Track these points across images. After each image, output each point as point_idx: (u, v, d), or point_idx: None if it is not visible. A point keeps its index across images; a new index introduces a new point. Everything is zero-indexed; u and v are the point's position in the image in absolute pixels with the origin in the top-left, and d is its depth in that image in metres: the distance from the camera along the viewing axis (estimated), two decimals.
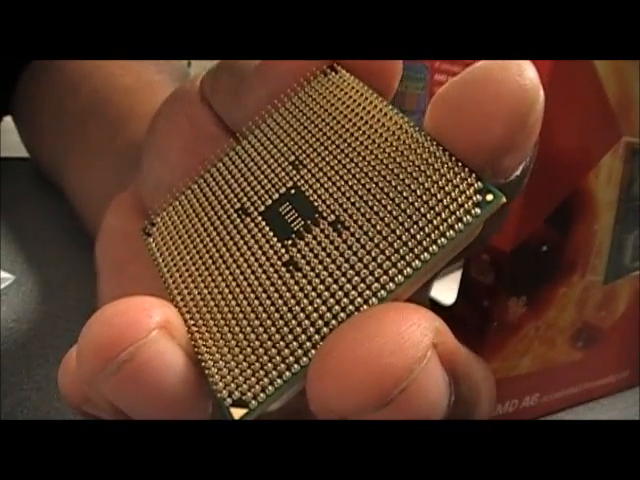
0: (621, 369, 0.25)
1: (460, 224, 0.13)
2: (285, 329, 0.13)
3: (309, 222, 0.14)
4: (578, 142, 0.21)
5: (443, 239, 0.13)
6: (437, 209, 0.13)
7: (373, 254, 0.13)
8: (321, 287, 0.13)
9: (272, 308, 0.13)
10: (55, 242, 0.33)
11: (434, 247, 0.12)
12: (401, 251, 0.13)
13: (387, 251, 0.13)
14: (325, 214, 0.14)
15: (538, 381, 0.23)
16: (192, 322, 0.14)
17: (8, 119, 0.43)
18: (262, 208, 0.15)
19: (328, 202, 0.14)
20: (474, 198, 0.13)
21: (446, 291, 0.23)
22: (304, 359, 0.12)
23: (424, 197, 0.13)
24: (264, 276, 0.14)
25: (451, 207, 0.13)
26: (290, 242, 0.14)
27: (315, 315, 0.13)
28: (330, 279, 0.13)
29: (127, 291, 0.14)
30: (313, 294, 0.13)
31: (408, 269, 0.13)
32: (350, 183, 0.14)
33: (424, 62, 0.22)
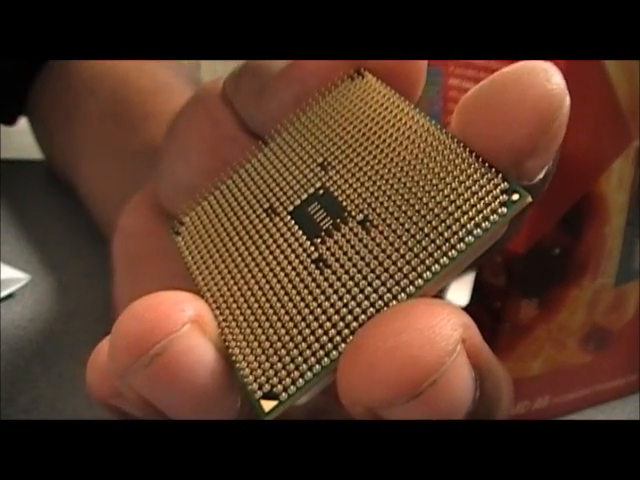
0: (631, 372, 0.26)
1: (487, 222, 0.13)
2: (315, 324, 0.13)
3: (338, 221, 0.14)
4: (590, 146, 0.21)
5: (470, 237, 0.13)
6: (464, 208, 0.13)
7: (402, 251, 0.13)
8: (350, 283, 0.13)
9: (302, 303, 0.13)
10: (69, 242, 0.33)
11: (461, 245, 0.13)
12: (429, 249, 0.13)
13: (415, 248, 0.13)
14: (354, 213, 0.14)
15: (549, 383, 0.23)
16: (222, 317, 0.14)
17: (22, 121, 0.43)
18: (291, 208, 0.15)
19: (356, 202, 0.14)
20: (501, 198, 0.13)
21: (459, 293, 0.23)
22: (334, 353, 0.13)
23: (451, 196, 0.13)
24: (293, 273, 0.14)
25: (478, 206, 0.13)
26: (319, 240, 0.14)
27: (344, 310, 0.13)
28: (359, 275, 0.13)
29: (144, 289, 0.14)
30: (342, 290, 0.13)
31: (436, 266, 0.13)
32: (378, 183, 0.14)
33: (438, 66, 0.22)
